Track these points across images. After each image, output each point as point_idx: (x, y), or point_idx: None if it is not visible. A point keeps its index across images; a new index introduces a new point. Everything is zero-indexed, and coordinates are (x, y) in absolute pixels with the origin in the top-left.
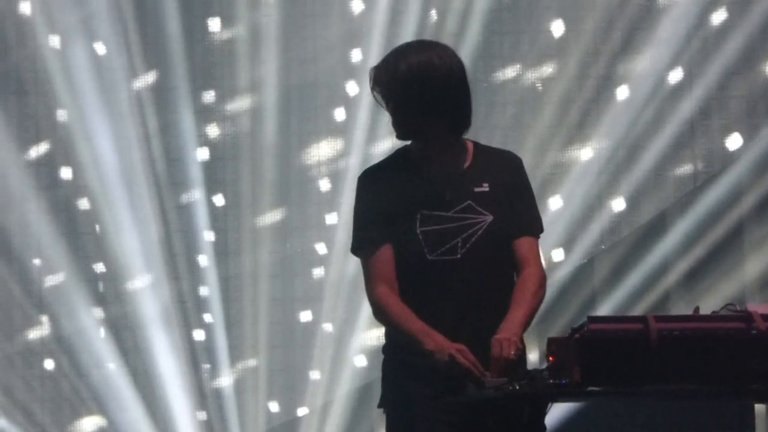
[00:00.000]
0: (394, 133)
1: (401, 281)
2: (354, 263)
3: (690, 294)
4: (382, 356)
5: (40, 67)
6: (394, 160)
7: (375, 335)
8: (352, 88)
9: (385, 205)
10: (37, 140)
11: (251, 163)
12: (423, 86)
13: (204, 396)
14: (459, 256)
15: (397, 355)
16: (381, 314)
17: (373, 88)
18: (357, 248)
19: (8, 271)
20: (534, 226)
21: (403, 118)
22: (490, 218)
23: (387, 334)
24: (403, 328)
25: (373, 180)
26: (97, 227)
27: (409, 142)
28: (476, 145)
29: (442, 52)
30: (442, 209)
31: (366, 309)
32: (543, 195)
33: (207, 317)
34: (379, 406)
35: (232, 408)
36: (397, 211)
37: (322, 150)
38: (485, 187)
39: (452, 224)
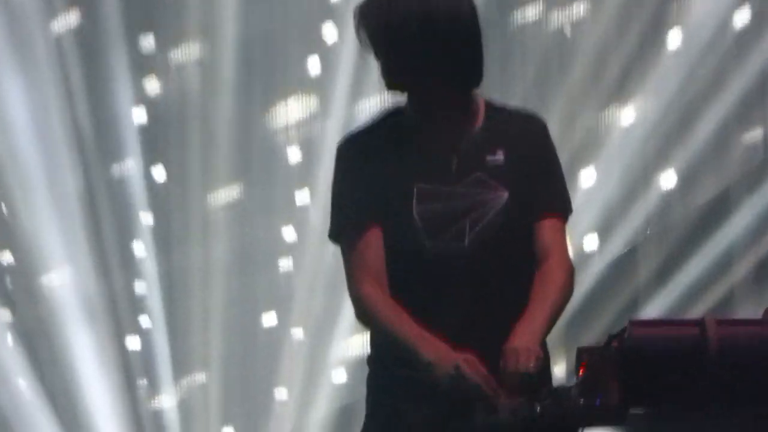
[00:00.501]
0: (384, 84)
1: (392, 275)
2: (332, 252)
3: (760, 292)
4: (366, 370)
5: None
6: (383, 122)
7: (358, 343)
8: (329, 32)
9: (373, 180)
10: None
11: (201, 127)
12: (424, 28)
13: (139, 420)
14: (466, 242)
15: (386, 368)
16: (366, 316)
17: (358, 28)
18: (337, 233)
19: None
20: (560, 206)
21: (396, 65)
22: (505, 195)
23: (374, 342)
24: (394, 334)
25: (356, 148)
26: (4, 207)
27: (401, 101)
28: (489, 104)
29: None
30: (444, 182)
31: (347, 310)
32: (573, 168)
33: (144, 321)
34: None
35: None
36: (387, 186)
37: (292, 110)
38: (499, 156)
39: (458, 202)
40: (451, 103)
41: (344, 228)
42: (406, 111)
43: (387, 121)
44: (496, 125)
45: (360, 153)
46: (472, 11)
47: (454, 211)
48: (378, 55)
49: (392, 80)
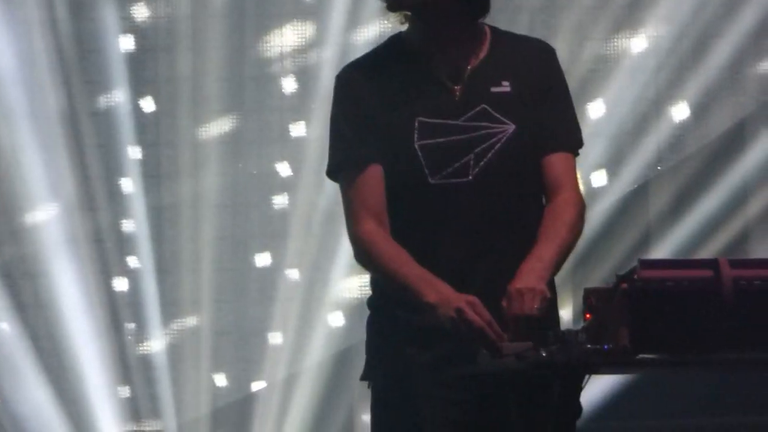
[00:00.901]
0: (386, 4)
1: (393, 213)
2: (329, 188)
3: None
4: (366, 313)
5: None
6: (383, 52)
7: (356, 285)
8: None
9: (373, 113)
10: None
11: (192, 56)
12: None
13: (127, 366)
14: (471, 177)
15: (387, 311)
16: (366, 257)
17: None
18: (335, 170)
19: None
20: (571, 139)
21: None
22: (511, 128)
23: (374, 284)
24: (395, 275)
25: (355, 78)
26: None
27: (402, 29)
28: (494, 31)
29: None
30: (448, 116)
31: (344, 250)
32: (581, 99)
33: (132, 261)
34: (363, 378)
35: (165, 382)
36: (388, 119)
37: (287, 38)
38: (505, 87)
39: (462, 135)
40: (456, 30)
41: (343, 164)
42: (407, 40)
43: (388, 50)
44: (501, 54)
45: (360, 84)
46: None
47: (459, 145)
48: None
49: (390, 2)
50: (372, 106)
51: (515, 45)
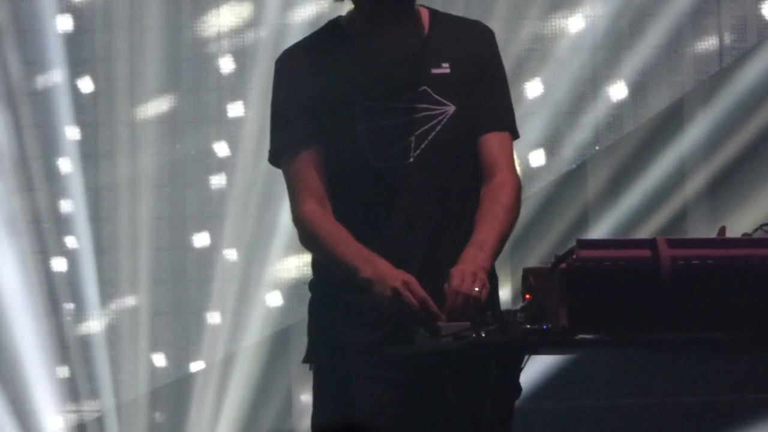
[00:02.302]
0: None
1: (336, 196)
2: (267, 169)
3: (714, 210)
4: (305, 294)
5: None
6: (322, 35)
7: (294, 265)
8: None
9: (313, 96)
10: None
11: (129, 36)
12: None
13: (66, 346)
14: (412, 159)
15: (327, 292)
16: (308, 237)
17: None
18: (277, 154)
19: None
20: (507, 120)
21: None
22: (451, 109)
23: (316, 265)
24: (334, 253)
25: (295, 63)
26: None
27: (338, 10)
28: (433, 12)
29: None
30: (388, 99)
31: (282, 231)
32: (518, 78)
33: (70, 241)
34: (305, 360)
35: (103, 362)
36: (329, 103)
37: (223, 18)
38: (445, 68)
39: (402, 118)
40: (394, 12)
41: (284, 149)
42: (346, 23)
43: (327, 34)
44: (440, 35)
45: (299, 69)
46: None
47: (399, 128)
48: None
49: None
50: (312, 90)
51: (454, 26)
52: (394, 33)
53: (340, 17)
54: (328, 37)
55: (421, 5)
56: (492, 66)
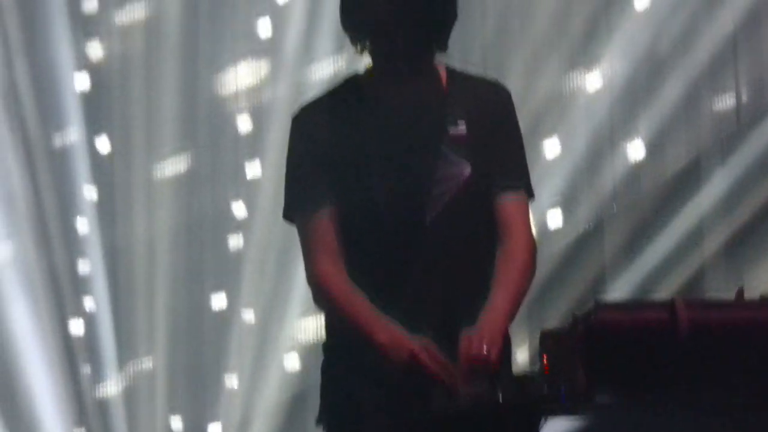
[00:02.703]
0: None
1: (350, 254)
2: (284, 229)
3: (732, 270)
4: (321, 356)
5: None
6: (339, 91)
7: (312, 327)
8: None
9: (329, 153)
10: None
11: (146, 94)
12: None
13: (83, 408)
14: (427, 219)
15: (342, 353)
16: (322, 298)
17: None
18: (291, 212)
19: None
20: (523, 181)
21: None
22: (467, 169)
23: (329, 326)
24: (349, 316)
25: (311, 119)
26: None
27: (357, 68)
28: (451, 71)
29: None
30: (405, 158)
31: (299, 291)
32: (534, 136)
33: (88, 302)
34: (318, 422)
35: (121, 424)
36: (344, 160)
37: (241, 76)
38: (462, 128)
39: (419, 178)
40: (412, 69)
41: (299, 207)
42: (363, 80)
43: (344, 90)
44: (458, 94)
45: (315, 124)
46: None
47: (416, 186)
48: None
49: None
50: (328, 147)
51: (472, 86)
52: (411, 90)
53: (357, 73)
54: (345, 93)
55: (439, 63)
56: (508, 126)
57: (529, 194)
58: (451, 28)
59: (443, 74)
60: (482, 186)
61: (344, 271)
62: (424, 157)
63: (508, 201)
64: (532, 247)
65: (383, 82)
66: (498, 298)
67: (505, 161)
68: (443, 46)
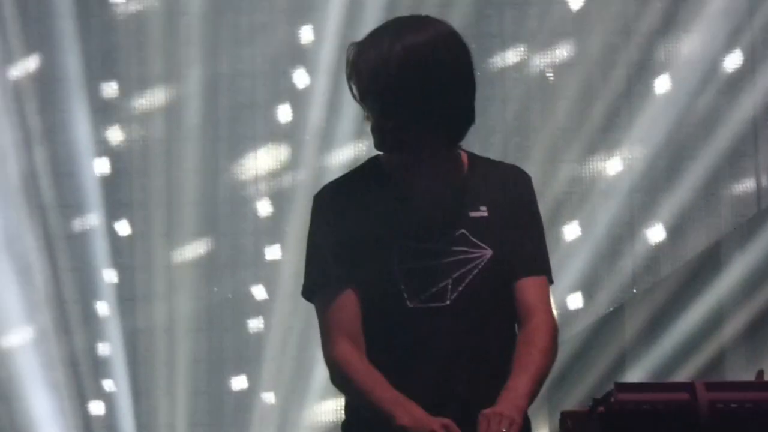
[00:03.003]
0: (374, 141)
1: (370, 336)
2: (304, 312)
3: (752, 353)
4: None
5: None
6: (361, 174)
7: (331, 408)
8: (300, 77)
9: (350, 235)
10: None
11: (166, 179)
12: (424, 78)
13: None
14: (448, 302)
15: None
16: (341, 379)
17: (350, 76)
18: (311, 292)
19: None
20: (543, 264)
21: (393, 121)
22: (488, 253)
23: (348, 407)
24: (368, 397)
25: (333, 201)
26: None
27: (380, 154)
28: (471, 156)
29: (445, 32)
30: (426, 240)
31: (320, 373)
32: (555, 221)
33: (107, 385)
34: None
35: None
36: (366, 242)
37: (261, 161)
38: (483, 212)
39: (440, 261)
40: (434, 156)
41: (318, 287)
42: (385, 163)
43: (366, 173)
44: (478, 179)
45: (337, 206)
46: (469, 59)
47: (436, 270)
48: (368, 107)
49: (382, 143)
50: (349, 228)
51: (492, 170)
52: (432, 174)
53: (379, 156)
54: (366, 175)
55: (460, 149)
56: (529, 211)
57: (549, 278)
58: (472, 119)
59: (464, 159)
60: (503, 268)
61: (363, 352)
62: (444, 239)
63: (529, 284)
64: (553, 328)
65: (404, 166)
66: (518, 379)
67: (526, 246)
68: (460, 137)
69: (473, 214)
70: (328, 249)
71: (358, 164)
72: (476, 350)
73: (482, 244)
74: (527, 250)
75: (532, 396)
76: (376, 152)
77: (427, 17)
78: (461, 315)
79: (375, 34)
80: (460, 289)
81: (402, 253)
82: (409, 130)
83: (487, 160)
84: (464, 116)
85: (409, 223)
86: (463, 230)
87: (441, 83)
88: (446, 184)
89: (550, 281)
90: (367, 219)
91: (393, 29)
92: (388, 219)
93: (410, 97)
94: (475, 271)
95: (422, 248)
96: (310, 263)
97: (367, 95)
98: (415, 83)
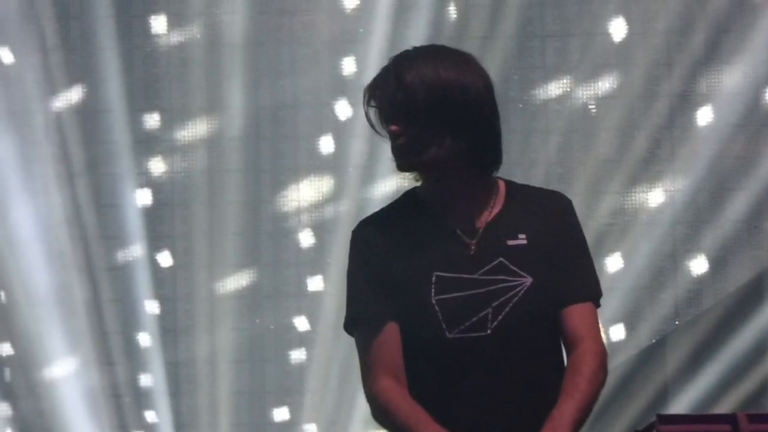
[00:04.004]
0: (395, 165)
1: (410, 368)
2: (346, 343)
3: None
4: None
5: None
6: (399, 206)
7: None
8: (343, 109)
9: (388, 268)
10: None
11: (208, 210)
12: (434, 100)
13: None
14: (488, 332)
15: None
16: (382, 414)
17: (367, 105)
18: (352, 325)
19: None
20: (589, 289)
21: (406, 141)
22: (528, 281)
23: None
24: (411, 431)
25: (370, 235)
26: (2, 295)
27: (417, 184)
28: (510, 184)
29: (461, 62)
30: (464, 270)
31: (362, 404)
32: (598, 252)
33: (150, 416)
34: None
35: None
36: (404, 274)
37: (303, 192)
38: (522, 240)
39: (479, 290)
40: (469, 185)
41: (359, 321)
42: (422, 194)
43: (403, 205)
44: (517, 207)
45: (375, 240)
46: (489, 86)
47: (476, 300)
48: (386, 131)
49: (400, 162)
50: (387, 261)
51: (531, 197)
52: (470, 204)
53: (415, 188)
54: (403, 207)
55: (498, 177)
56: (572, 236)
57: (597, 303)
58: (499, 149)
59: (502, 187)
60: (544, 296)
61: (404, 387)
62: (483, 268)
63: (574, 311)
64: (599, 353)
65: (440, 196)
66: (563, 407)
67: (571, 272)
68: (496, 164)
69: (511, 242)
70: (366, 283)
71: (398, 195)
72: (518, 379)
73: (522, 272)
74: (571, 276)
75: (578, 424)
76: (415, 185)
77: (443, 47)
78: (502, 344)
79: (387, 65)
80: (501, 317)
81: (440, 283)
82: (428, 149)
83: (527, 186)
84: (486, 141)
85: (445, 253)
86: (501, 259)
87: (452, 103)
88: (483, 213)
89: (597, 305)
90: (404, 251)
91: (404, 58)
92: (424, 250)
93: (422, 117)
94: (515, 299)
95: (460, 278)
96: (350, 298)
97: (383, 120)
98: (423, 104)
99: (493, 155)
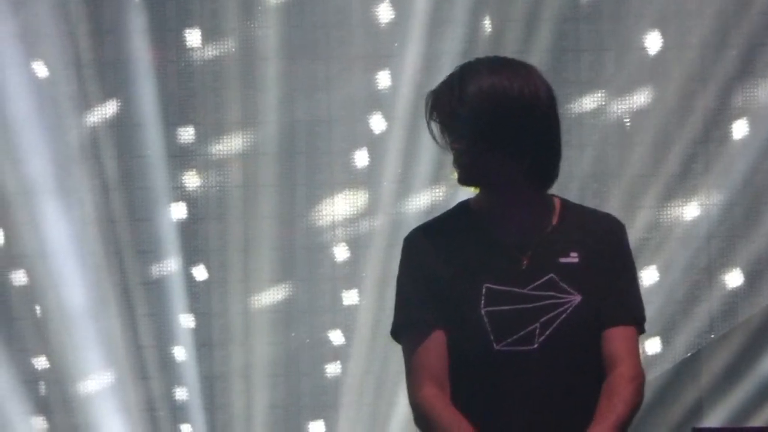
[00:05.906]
0: (457, 179)
1: (456, 378)
2: (382, 357)
3: None
4: None
5: None
6: (451, 217)
7: None
8: (378, 123)
9: (438, 277)
10: None
11: (243, 225)
12: (498, 114)
13: None
14: (536, 345)
15: None
16: (425, 422)
17: (429, 117)
18: (399, 332)
19: None
20: (635, 314)
21: (469, 156)
22: (577, 299)
23: None
24: None
25: (422, 243)
26: (38, 309)
27: (469, 195)
28: (565, 202)
29: (526, 74)
30: (515, 284)
31: (398, 418)
32: None
33: (185, 430)
34: None
35: None
36: (454, 284)
37: (338, 207)
38: (574, 258)
39: (528, 304)
40: (524, 199)
41: (406, 328)
42: (475, 207)
43: (456, 216)
44: (571, 225)
45: (426, 248)
46: (552, 101)
47: (525, 314)
48: (449, 145)
49: (462, 177)
50: (438, 270)
51: (585, 217)
52: (523, 218)
53: (469, 199)
54: (455, 218)
55: (554, 195)
56: (621, 260)
57: (640, 328)
58: (558, 161)
59: (557, 204)
60: (591, 315)
61: (448, 396)
62: (533, 283)
63: (615, 334)
64: (635, 376)
65: (493, 209)
66: (598, 428)
67: (617, 294)
68: (551, 180)
69: (563, 259)
70: (415, 291)
71: (433, 213)
72: (563, 395)
73: (571, 290)
74: (617, 299)
75: None
76: (454, 199)
77: (508, 59)
78: (548, 359)
79: (450, 76)
80: (548, 332)
81: (490, 296)
82: (490, 165)
83: (581, 206)
84: (546, 156)
85: (497, 266)
86: (552, 275)
87: (516, 119)
88: (536, 228)
89: (641, 330)
90: (455, 261)
91: (468, 70)
92: (475, 261)
93: (485, 132)
94: (564, 316)
95: (510, 291)
96: (398, 304)
97: (446, 134)
98: (487, 119)
99: (551, 171)
